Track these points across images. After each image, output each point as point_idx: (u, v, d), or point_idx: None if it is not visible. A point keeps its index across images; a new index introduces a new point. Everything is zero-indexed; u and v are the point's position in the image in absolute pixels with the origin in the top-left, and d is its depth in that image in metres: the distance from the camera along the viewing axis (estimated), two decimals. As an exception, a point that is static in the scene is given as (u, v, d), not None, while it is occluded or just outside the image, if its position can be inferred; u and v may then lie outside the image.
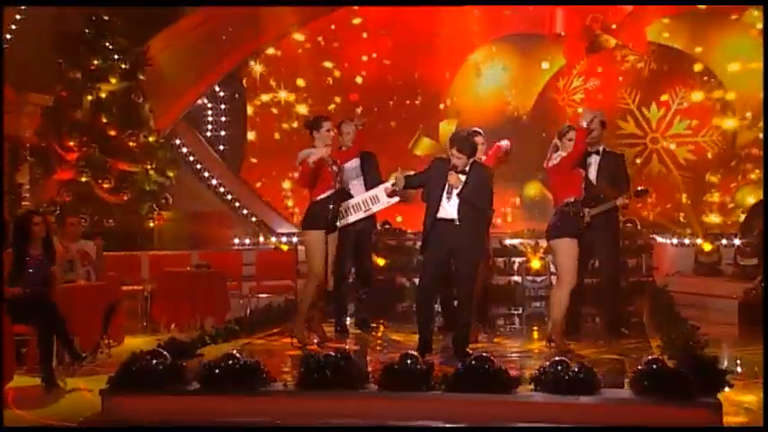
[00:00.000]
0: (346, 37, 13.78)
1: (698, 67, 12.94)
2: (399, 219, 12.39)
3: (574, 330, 7.24)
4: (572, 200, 6.73)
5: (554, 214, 6.81)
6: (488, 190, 6.58)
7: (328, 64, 13.78)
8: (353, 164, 7.74)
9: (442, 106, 13.75)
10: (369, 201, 7.80)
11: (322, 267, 6.96)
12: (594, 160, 7.47)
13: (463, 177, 6.42)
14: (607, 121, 7.76)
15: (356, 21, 13.77)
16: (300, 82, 13.84)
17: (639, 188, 7.33)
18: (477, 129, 7.31)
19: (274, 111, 13.99)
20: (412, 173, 6.84)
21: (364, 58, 13.74)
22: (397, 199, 7.70)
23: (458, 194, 6.39)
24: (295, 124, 13.61)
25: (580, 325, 7.57)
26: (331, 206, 6.98)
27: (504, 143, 7.47)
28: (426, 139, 13.82)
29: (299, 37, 13.81)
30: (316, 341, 7.12)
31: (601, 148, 7.53)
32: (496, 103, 13.55)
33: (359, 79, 13.79)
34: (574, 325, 7.28)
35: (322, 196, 7.01)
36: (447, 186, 6.37)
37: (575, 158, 6.74)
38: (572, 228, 6.70)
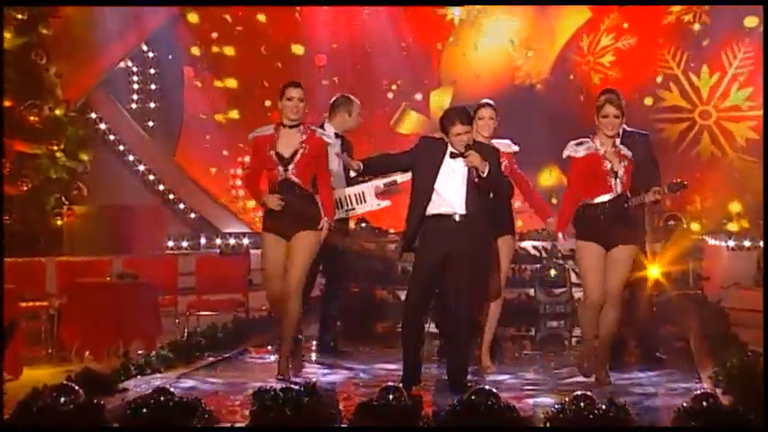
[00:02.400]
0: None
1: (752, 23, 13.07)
2: (381, 213, 12.49)
3: (614, 357, 7.28)
4: (593, 199, 6.80)
5: (580, 210, 6.88)
6: (500, 171, 6.66)
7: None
8: (332, 147, 7.73)
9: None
10: (353, 199, 7.85)
11: (276, 278, 7.01)
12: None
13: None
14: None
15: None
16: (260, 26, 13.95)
17: (676, 180, 7.34)
18: (487, 100, 7.37)
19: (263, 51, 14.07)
20: (389, 153, 6.89)
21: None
22: (388, 203, 7.78)
23: (485, 177, 6.39)
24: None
25: (621, 351, 7.65)
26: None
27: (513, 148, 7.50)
28: (413, 113, 13.89)
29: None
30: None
31: (621, 130, 7.56)
32: (503, 68, 13.62)
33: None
34: (614, 351, 7.31)
35: (270, 185, 7.07)
36: (468, 171, 6.38)
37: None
38: (595, 230, 6.77)
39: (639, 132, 7.71)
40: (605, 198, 6.76)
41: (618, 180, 6.78)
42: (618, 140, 6.89)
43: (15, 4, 11.79)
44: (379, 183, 7.74)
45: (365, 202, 7.83)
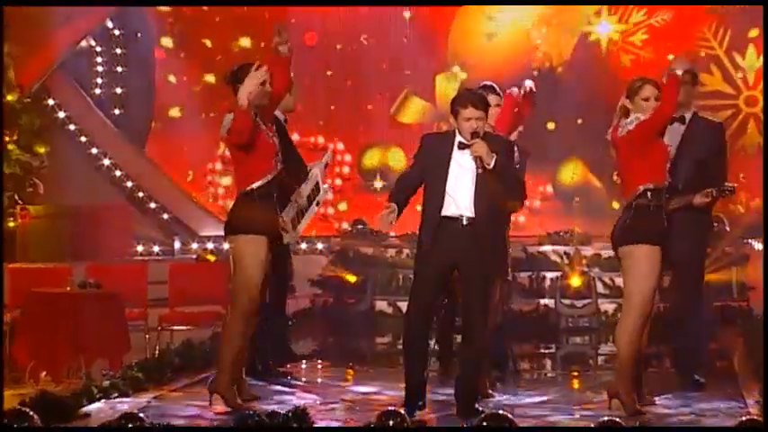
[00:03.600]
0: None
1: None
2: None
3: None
4: (651, 187, 6.72)
5: (626, 209, 6.82)
6: (513, 165, 6.65)
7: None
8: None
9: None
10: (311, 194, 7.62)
11: (257, 291, 6.89)
12: (676, 130, 7.43)
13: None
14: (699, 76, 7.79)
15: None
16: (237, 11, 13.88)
17: (727, 185, 7.31)
18: (488, 82, 7.36)
19: (206, 42, 14.04)
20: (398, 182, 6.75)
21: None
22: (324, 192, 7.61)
23: (491, 170, 6.38)
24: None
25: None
26: (274, 198, 6.93)
27: (526, 84, 7.46)
28: (417, 99, 13.87)
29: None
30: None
31: (689, 114, 7.53)
32: (519, 48, 13.61)
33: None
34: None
35: (260, 183, 6.87)
36: (476, 162, 6.38)
37: (662, 122, 6.69)
38: (654, 230, 6.71)
39: (712, 121, 7.65)
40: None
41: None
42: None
43: (15, 4, 11.95)
44: (321, 164, 7.57)
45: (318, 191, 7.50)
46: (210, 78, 13.79)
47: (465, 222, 6.46)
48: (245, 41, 13.91)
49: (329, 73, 13.84)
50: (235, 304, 7.03)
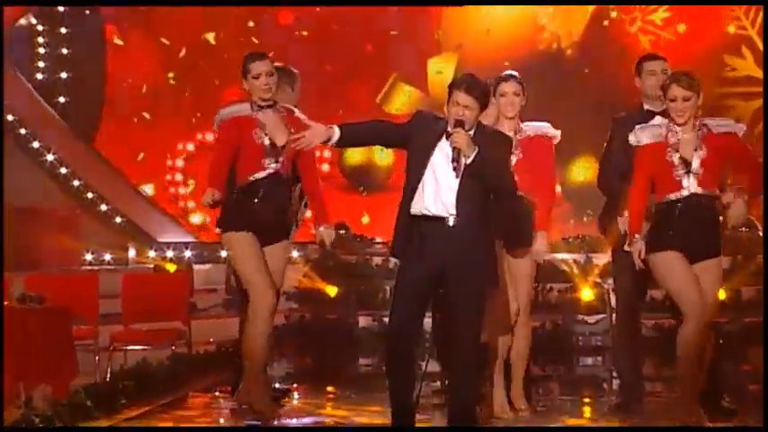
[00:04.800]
0: None
1: None
2: (365, 214, 12.47)
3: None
4: (669, 199, 6.94)
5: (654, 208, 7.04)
6: (509, 165, 6.68)
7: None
8: None
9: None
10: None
11: (262, 284, 7.32)
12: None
13: None
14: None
15: None
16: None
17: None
18: (512, 72, 7.45)
19: (163, 41, 14.04)
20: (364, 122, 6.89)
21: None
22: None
23: (469, 165, 6.43)
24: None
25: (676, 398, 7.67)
26: (256, 199, 7.30)
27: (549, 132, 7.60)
28: (406, 86, 13.90)
29: None
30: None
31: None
32: (522, 29, 13.64)
33: None
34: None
35: (250, 179, 7.37)
36: (453, 152, 6.43)
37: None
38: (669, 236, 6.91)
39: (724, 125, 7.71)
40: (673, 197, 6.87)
41: (690, 177, 6.88)
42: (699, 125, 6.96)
43: (15, 4, 12.33)
44: None
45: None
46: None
47: (451, 223, 6.48)
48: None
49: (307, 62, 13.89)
50: (249, 303, 7.44)
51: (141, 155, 14.20)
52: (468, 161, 6.42)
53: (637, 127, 7.06)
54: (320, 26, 13.96)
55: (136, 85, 14.14)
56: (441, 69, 13.61)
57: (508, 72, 7.49)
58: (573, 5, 13.65)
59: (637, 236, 6.99)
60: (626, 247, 7.12)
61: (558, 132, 7.58)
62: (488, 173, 6.48)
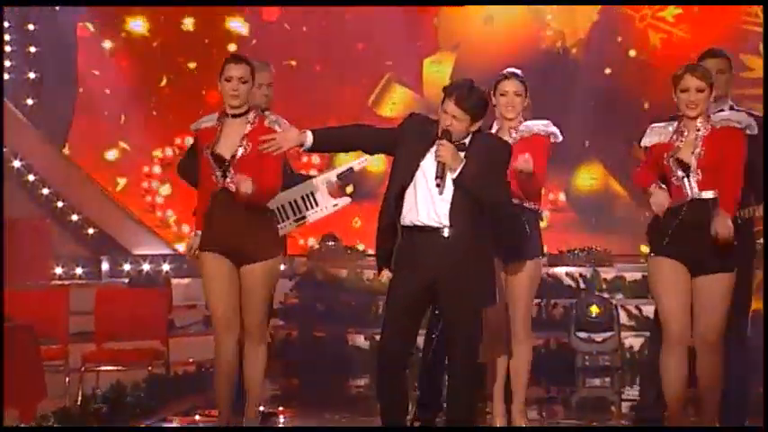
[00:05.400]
0: None
1: None
2: (357, 222, 12.45)
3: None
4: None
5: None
6: (503, 176, 6.68)
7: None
8: None
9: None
10: (299, 203, 7.90)
11: (219, 307, 7.26)
12: None
13: (461, 154, 6.45)
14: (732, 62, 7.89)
15: None
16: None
17: None
18: (513, 70, 7.44)
19: (138, 37, 14.05)
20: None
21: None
22: (347, 201, 7.88)
23: (454, 181, 6.46)
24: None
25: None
26: (212, 217, 7.21)
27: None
28: (399, 87, 13.90)
29: None
30: None
31: (726, 108, 7.58)
32: (525, 26, 13.66)
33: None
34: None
35: (205, 196, 7.31)
36: (438, 166, 6.43)
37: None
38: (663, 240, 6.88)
39: (752, 113, 7.69)
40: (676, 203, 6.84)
41: (690, 180, 6.84)
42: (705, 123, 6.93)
43: (15, 4, 12.50)
44: (331, 175, 7.85)
45: (316, 204, 7.87)
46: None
47: (446, 234, 6.48)
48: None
49: (293, 63, 13.89)
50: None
51: (115, 161, 14.17)
52: (454, 175, 6.41)
53: (651, 126, 7.01)
54: (308, 23, 13.95)
55: (110, 85, 14.10)
56: (437, 69, 13.59)
57: (510, 69, 7.45)
58: (578, 5, 13.64)
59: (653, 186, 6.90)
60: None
61: (557, 131, 7.53)
62: (477, 187, 6.46)
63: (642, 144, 7.00)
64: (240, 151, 7.17)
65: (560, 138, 7.50)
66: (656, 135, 6.93)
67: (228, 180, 7.16)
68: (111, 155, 14.11)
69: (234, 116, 7.24)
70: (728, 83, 7.61)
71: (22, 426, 5.39)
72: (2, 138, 11.96)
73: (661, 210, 6.84)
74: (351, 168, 7.95)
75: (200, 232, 7.27)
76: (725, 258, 6.78)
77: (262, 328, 7.41)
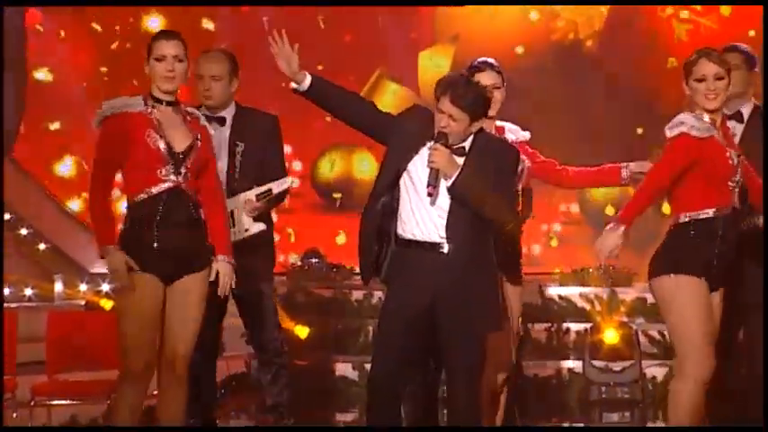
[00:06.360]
0: None
1: None
2: (341, 238, 12.41)
3: None
4: (699, 216, 6.96)
5: (674, 228, 7.07)
6: (509, 185, 6.63)
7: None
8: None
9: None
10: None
11: (141, 347, 7.13)
12: (732, 130, 7.59)
13: (459, 160, 6.48)
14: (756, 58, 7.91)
15: None
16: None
17: None
18: (486, 59, 7.55)
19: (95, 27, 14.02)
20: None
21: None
22: (260, 227, 8.14)
23: (449, 189, 6.44)
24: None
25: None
26: (154, 222, 7.05)
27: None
28: (392, 84, 13.93)
29: None
30: None
31: (748, 108, 7.62)
32: (532, 18, 13.65)
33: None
34: None
35: (142, 196, 7.06)
36: (430, 173, 6.41)
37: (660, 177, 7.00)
38: (696, 258, 6.89)
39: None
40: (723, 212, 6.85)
41: (737, 185, 6.85)
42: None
43: (15, 4, 12.82)
44: (250, 194, 8.04)
45: (233, 226, 7.98)
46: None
47: (446, 251, 6.47)
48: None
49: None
50: (120, 366, 7.21)
51: (70, 167, 14.13)
52: (449, 183, 6.39)
53: (686, 116, 6.95)
54: (289, 13, 13.91)
55: (64, 81, 14.08)
56: (435, 64, 13.59)
57: (483, 59, 7.52)
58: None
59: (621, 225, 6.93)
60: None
61: (528, 134, 7.62)
62: (475, 198, 6.44)
63: (696, 134, 6.86)
64: (194, 148, 7.04)
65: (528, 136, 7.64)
66: (705, 128, 6.83)
67: (181, 179, 7.02)
68: (65, 160, 14.04)
69: (167, 103, 7.07)
70: (747, 81, 7.65)
71: (22, 426, 5.42)
72: (2, 139, 12.15)
73: (603, 256, 6.88)
74: (270, 190, 8.12)
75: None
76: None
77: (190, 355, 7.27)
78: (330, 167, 13.99)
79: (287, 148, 13.61)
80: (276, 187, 8.15)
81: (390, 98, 13.85)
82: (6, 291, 13.14)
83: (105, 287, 13.24)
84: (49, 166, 14.17)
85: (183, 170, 7.03)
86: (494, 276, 6.77)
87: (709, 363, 6.87)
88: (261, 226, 8.16)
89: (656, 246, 7.32)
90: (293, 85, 6.90)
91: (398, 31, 13.83)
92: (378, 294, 11.19)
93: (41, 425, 9.02)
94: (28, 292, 13.20)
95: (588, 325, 11.09)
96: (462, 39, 13.73)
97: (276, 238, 8.55)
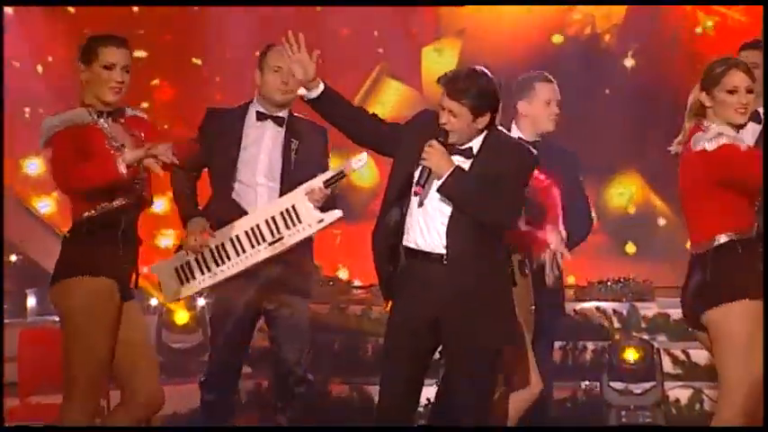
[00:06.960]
0: None
1: None
2: (338, 247, 12.47)
3: None
4: (735, 237, 6.83)
5: (697, 263, 6.90)
6: (514, 190, 6.61)
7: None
8: (264, 140, 8.19)
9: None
10: (277, 221, 7.88)
11: (100, 364, 7.20)
12: (751, 132, 7.55)
13: (465, 163, 6.47)
14: None
15: None
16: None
17: None
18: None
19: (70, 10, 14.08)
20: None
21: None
22: (337, 215, 7.86)
23: (438, 189, 6.45)
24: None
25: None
26: (116, 236, 7.06)
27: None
28: (393, 82, 13.95)
29: None
30: None
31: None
32: (546, 8, 13.66)
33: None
34: None
35: (99, 208, 7.02)
36: (422, 171, 6.41)
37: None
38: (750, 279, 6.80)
39: None
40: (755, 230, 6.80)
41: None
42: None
43: (15, 4, 13.05)
44: (316, 182, 7.81)
45: (299, 221, 7.84)
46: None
47: (445, 261, 6.43)
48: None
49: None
50: (68, 385, 7.29)
51: (42, 173, 14.12)
52: (440, 183, 6.40)
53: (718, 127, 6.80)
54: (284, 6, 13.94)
55: (31, 70, 14.10)
56: (439, 60, 13.63)
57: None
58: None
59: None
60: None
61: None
62: (467, 200, 6.43)
63: (744, 146, 6.76)
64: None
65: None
66: (741, 140, 6.76)
67: (141, 188, 6.99)
68: (36, 165, 14.05)
69: (108, 114, 7.01)
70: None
71: (23, 426, 5.44)
72: (2, 140, 11.94)
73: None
74: (341, 172, 7.93)
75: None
76: None
77: None
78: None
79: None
80: (354, 164, 7.97)
81: (391, 95, 13.90)
82: (-23, 306, 13.18)
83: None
84: (19, 171, 14.21)
85: (141, 179, 6.99)
86: (504, 285, 6.75)
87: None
88: (337, 213, 7.96)
89: (671, 254, 7.29)
90: (302, 91, 6.89)
91: (400, 25, 13.89)
92: (376, 310, 11.20)
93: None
94: (-2, 308, 13.24)
95: (606, 343, 11.13)
96: (468, 33, 13.79)
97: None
